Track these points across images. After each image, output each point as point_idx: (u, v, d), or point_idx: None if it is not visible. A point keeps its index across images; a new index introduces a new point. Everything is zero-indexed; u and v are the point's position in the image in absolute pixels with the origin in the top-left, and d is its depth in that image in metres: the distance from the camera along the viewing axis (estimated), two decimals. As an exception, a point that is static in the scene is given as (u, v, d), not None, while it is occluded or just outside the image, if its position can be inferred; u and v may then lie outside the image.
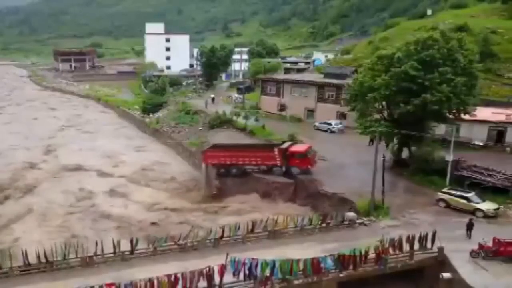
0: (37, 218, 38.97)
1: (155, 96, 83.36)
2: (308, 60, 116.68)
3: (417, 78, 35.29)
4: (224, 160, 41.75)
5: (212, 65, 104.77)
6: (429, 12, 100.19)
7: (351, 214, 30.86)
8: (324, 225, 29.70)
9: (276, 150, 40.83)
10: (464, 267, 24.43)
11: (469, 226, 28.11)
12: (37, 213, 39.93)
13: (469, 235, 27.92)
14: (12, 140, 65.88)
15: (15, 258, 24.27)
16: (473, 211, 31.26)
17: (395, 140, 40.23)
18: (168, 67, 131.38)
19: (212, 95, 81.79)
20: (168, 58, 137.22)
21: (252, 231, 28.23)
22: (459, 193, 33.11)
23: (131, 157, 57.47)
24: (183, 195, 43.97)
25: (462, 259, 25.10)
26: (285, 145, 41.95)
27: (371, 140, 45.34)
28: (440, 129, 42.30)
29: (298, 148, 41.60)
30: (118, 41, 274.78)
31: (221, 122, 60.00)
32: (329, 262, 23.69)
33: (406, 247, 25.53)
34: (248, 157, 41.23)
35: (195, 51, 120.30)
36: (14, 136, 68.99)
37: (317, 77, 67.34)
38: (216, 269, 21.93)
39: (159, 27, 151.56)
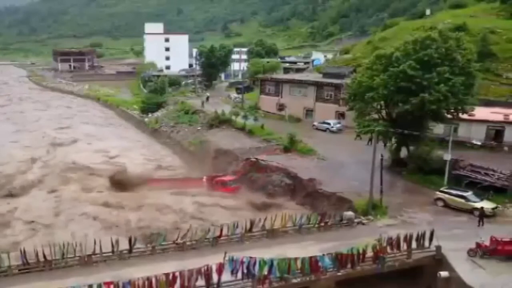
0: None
1: (154, 96, 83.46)
2: (307, 60, 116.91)
3: (415, 78, 35.34)
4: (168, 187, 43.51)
5: (211, 65, 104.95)
6: (428, 12, 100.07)
7: (349, 213, 30.92)
8: (322, 224, 29.75)
9: (204, 178, 44.23)
10: (462, 266, 24.50)
11: (481, 216, 29.68)
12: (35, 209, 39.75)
13: (482, 223, 29.41)
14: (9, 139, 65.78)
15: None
16: (471, 210, 31.36)
17: (393, 140, 40.29)
18: (168, 67, 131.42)
19: (207, 94, 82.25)
20: (167, 58, 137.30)
21: (250, 230, 28.28)
22: (457, 192, 33.22)
23: (128, 156, 57.47)
24: None
25: (459, 258, 25.15)
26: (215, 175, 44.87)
27: (370, 140, 45.36)
28: (438, 129, 42.33)
29: (223, 178, 43.79)
30: (117, 41, 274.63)
31: (220, 122, 60.09)
32: (327, 261, 23.79)
33: (403, 246, 25.65)
34: (184, 187, 42.88)
35: (194, 51, 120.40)
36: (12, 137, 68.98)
37: (316, 77, 67.45)
38: (214, 267, 21.98)
39: (159, 27, 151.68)
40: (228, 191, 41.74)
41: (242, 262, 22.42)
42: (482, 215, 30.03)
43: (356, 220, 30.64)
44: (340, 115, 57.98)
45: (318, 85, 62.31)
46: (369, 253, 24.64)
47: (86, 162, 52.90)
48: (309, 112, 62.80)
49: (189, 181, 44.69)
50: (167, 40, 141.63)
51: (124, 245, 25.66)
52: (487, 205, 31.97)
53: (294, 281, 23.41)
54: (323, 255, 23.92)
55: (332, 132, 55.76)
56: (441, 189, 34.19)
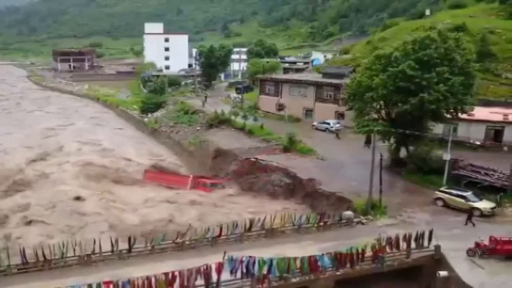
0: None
1: (154, 96, 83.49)
2: (307, 60, 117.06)
3: (415, 78, 35.31)
4: (159, 180, 46.98)
5: (211, 65, 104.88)
6: (427, 12, 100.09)
7: (348, 213, 30.95)
8: (321, 224, 29.77)
9: (191, 176, 45.83)
10: (461, 266, 24.54)
11: (469, 216, 30.00)
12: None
13: (471, 222, 29.63)
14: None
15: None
16: (470, 210, 31.36)
17: (392, 140, 40.31)
18: (167, 67, 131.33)
19: (206, 94, 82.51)
20: (167, 58, 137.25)
21: (249, 229, 28.31)
22: (456, 192, 33.25)
23: (124, 154, 57.74)
24: None
25: (458, 258, 25.21)
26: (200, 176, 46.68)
27: (367, 141, 45.53)
28: (438, 129, 42.37)
29: (206, 180, 44.99)
30: (117, 41, 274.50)
31: (219, 122, 60.04)
32: (326, 260, 23.83)
33: (403, 245, 25.69)
34: (173, 181, 46.31)
35: (194, 51, 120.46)
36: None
37: (316, 77, 67.46)
38: (213, 267, 22.00)
39: (158, 27, 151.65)
40: (207, 191, 42.77)
41: (241, 262, 22.44)
42: (471, 215, 30.27)
43: (355, 220, 30.67)
44: (340, 115, 57.97)
45: (318, 85, 62.32)
46: (368, 253, 24.68)
47: (80, 156, 54.85)
48: (308, 112, 62.80)
49: (177, 177, 47.13)
50: (166, 40, 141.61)
51: (123, 245, 25.70)
52: (486, 204, 32.06)
53: (294, 280, 23.45)
54: (323, 254, 23.95)
55: (332, 132, 55.72)
56: (441, 189, 34.24)
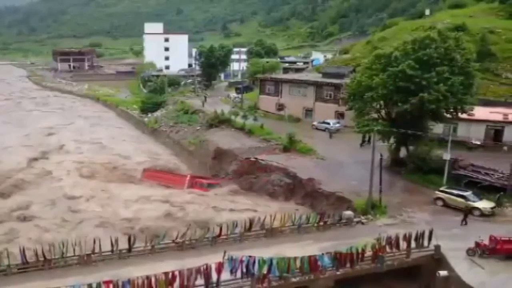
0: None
1: (153, 95, 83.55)
2: (307, 60, 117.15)
3: (415, 77, 35.28)
4: (157, 179, 47.19)
5: (211, 65, 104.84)
6: (427, 12, 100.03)
7: (348, 213, 30.94)
8: (321, 223, 29.76)
9: (188, 176, 46.24)
10: (461, 265, 24.55)
11: (465, 215, 29.98)
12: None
13: (465, 222, 29.67)
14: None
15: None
16: (470, 210, 31.36)
17: (392, 139, 40.29)
18: (167, 67, 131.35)
19: (206, 94, 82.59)
20: (167, 58, 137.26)
21: (249, 229, 28.29)
22: (456, 191, 33.25)
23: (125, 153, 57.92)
24: None
25: (458, 257, 25.21)
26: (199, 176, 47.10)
27: (363, 141, 45.54)
28: (437, 128, 42.34)
29: (202, 180, 45.36)
30: (117, 41, 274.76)
31: (219, 122, 59.97)
32: (326, 260, 23.82)
33: (403, 245, 25.69)
34: (170, 180, 46.68)
35: (194, 51, 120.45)
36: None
37: (316, 77, 67.43)
38: (213, 266, 22.00)
39: (158, 27, 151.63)
40: (202, 190, 43.09)
41: (241, 261, 22.43)
42: (467, 215, 30.30)
43: (355, 220, 30.66)
44: (340, 115, 57.94)
45: (318, 85, 62.27)
46: (368, 252, 24.68)
47: (79, 154, 56.11)
48: (308, 112, 62.76)
49: (174, 176, 47.56)
50: (166, 40, 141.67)
51: (123, 244, 25.70)
52: (486, 204, 32.06)
53: (293, 280, 23.46)
54: (322, 254, 23.94)
55: (330, 131, 55.65)
56: (441, 188, 34.24)
